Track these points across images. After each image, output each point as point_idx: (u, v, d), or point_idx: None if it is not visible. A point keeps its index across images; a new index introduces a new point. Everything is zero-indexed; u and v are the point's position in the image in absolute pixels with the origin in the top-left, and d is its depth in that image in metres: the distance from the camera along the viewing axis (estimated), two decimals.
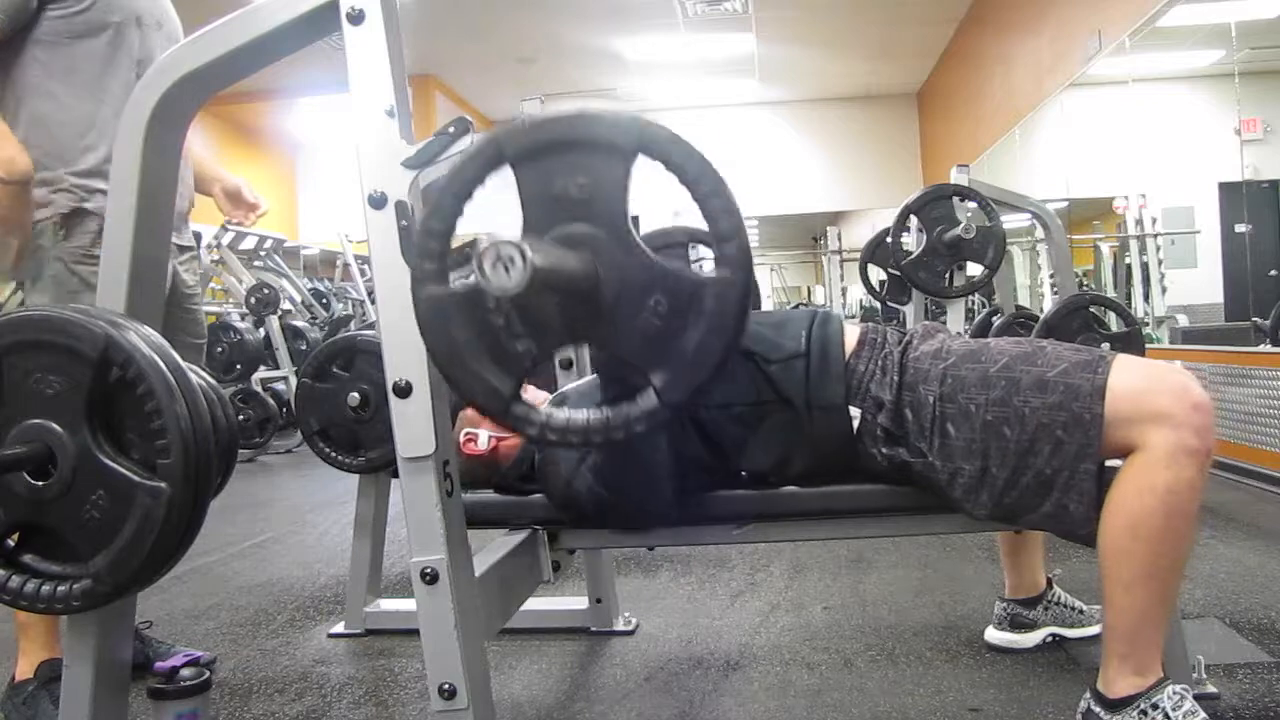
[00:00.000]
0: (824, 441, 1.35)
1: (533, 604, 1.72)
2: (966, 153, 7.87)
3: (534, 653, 2.00)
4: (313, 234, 10.12)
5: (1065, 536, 1.29)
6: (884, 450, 1.34)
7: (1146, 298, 5.69)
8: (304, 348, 5.99)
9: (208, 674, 1.45)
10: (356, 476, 2.22)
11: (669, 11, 7.95)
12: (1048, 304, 5.73)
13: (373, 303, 3.17)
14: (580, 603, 2.13)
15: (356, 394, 2.05)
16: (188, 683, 1.41)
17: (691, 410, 1.36)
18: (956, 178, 3.47)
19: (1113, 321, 3.45)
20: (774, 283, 15.50)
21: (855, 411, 1.35)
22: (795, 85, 10.51)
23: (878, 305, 6.34)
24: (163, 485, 1.04)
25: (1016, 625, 1.88)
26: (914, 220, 3.36)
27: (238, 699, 1.83)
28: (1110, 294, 5.96)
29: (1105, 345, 3.02)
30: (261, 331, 5.85)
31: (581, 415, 0.87)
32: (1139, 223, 5.79)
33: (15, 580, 1.07)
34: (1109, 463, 1.23)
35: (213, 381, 1.23)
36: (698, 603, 2.31)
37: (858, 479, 1.38)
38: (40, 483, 1.05)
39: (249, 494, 4.35)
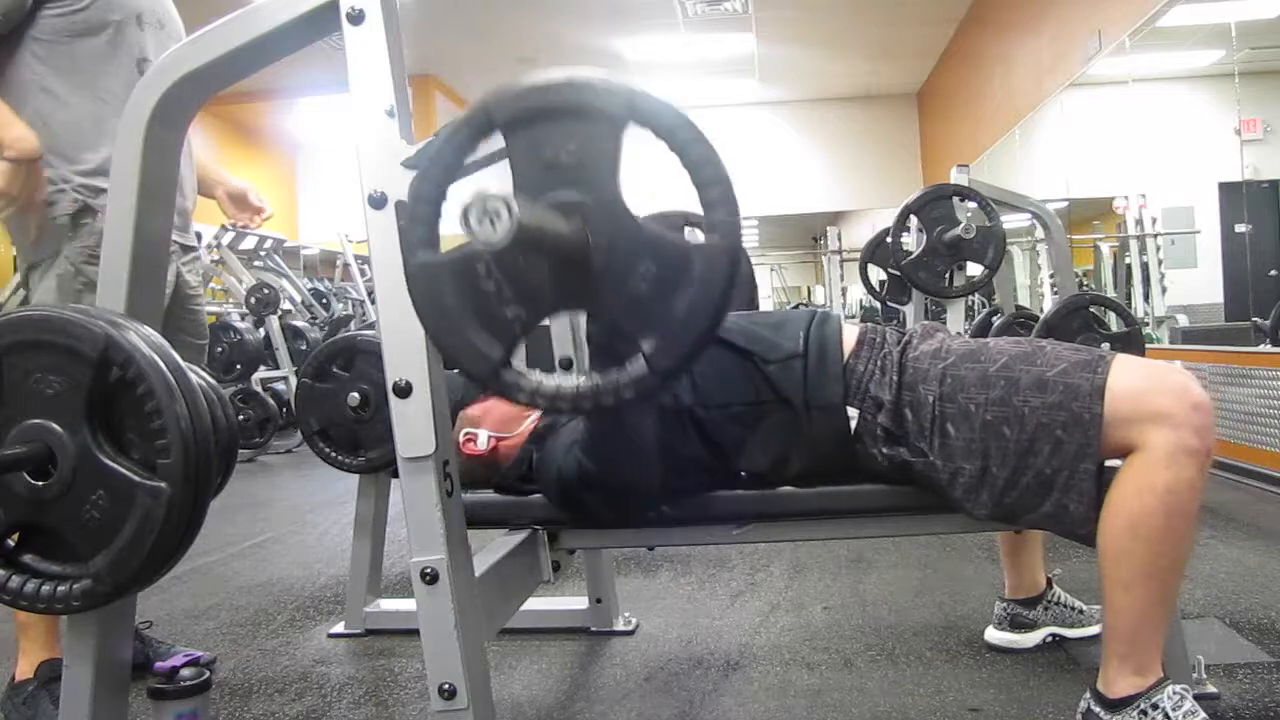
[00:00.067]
0: (822, 441, 1.35)
1: (533, 604, 1.72)
2: (966, 153, 7.87)
3: (534, 653, 2.00)
4: (313, 234, 10.12)
5: (1065, 536, 1.29)
6: (884, 450, 1.34)
7: (1146, 298, 5.69)
8: (304, 348, 6.00)
9: (208, 674, 1.45)
10: (356, 476, 2.22)
11: (669, 11, 7.95)
12: (1048, 304, 5.73)
13: (373, 303, 3.17)
14: (580, 603, 2.13)
15: (356, 394, 2.05)
16: (188, 683, 1.41)
17: (679, 391, 1.36)
18: (956, 178, 3.48)
19: (1113, 321, 3.45)
20: (774, 283, 15.50)
21: (853, 412, 1.35)
22: (795, 85, 10.51)
23: (878, 305, 6.34)
24: (163, 485, 1.04)
25: (1016, 625, 1.88)
26: (914, 220, 3.36)
27: (238, 699, 1.83)
28: (1110, 294, 5.96)
29: (1105, 345, 3.02)
30: (261, 331, 5.86)
31: (571, 382, 0.87)
32: (1139, 223, 5.79)
33: (15, 580, 1.07)
34: (1109, 463, 1.23)
35: (213, 381, 1.23)
36: (698, 603, 2.31)
37: (857, 479, 1.38)
38: (40, 483, 1.05)
39: (249, 494, 4.35)
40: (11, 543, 1.09)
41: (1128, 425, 1.21)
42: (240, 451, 2.65)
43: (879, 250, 4.07)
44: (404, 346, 1.08)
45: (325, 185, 10.81)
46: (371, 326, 4.79)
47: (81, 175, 1.72)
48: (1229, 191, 5.22)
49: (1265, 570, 2.35)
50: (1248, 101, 4.94)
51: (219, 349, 5.54)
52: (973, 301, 5.57)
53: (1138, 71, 5.45)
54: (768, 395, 1.36)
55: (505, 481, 1.51)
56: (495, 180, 0.75)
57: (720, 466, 1.39)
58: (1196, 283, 5.66)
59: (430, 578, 1.08)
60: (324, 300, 7.44)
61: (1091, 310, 3.26)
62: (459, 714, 1.08)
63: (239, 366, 5.65)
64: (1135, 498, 1.20)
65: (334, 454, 2.12)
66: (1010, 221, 4.11)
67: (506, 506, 1.48)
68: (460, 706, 1.08)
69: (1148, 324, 5.41)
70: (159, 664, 1.43)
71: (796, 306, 9.34)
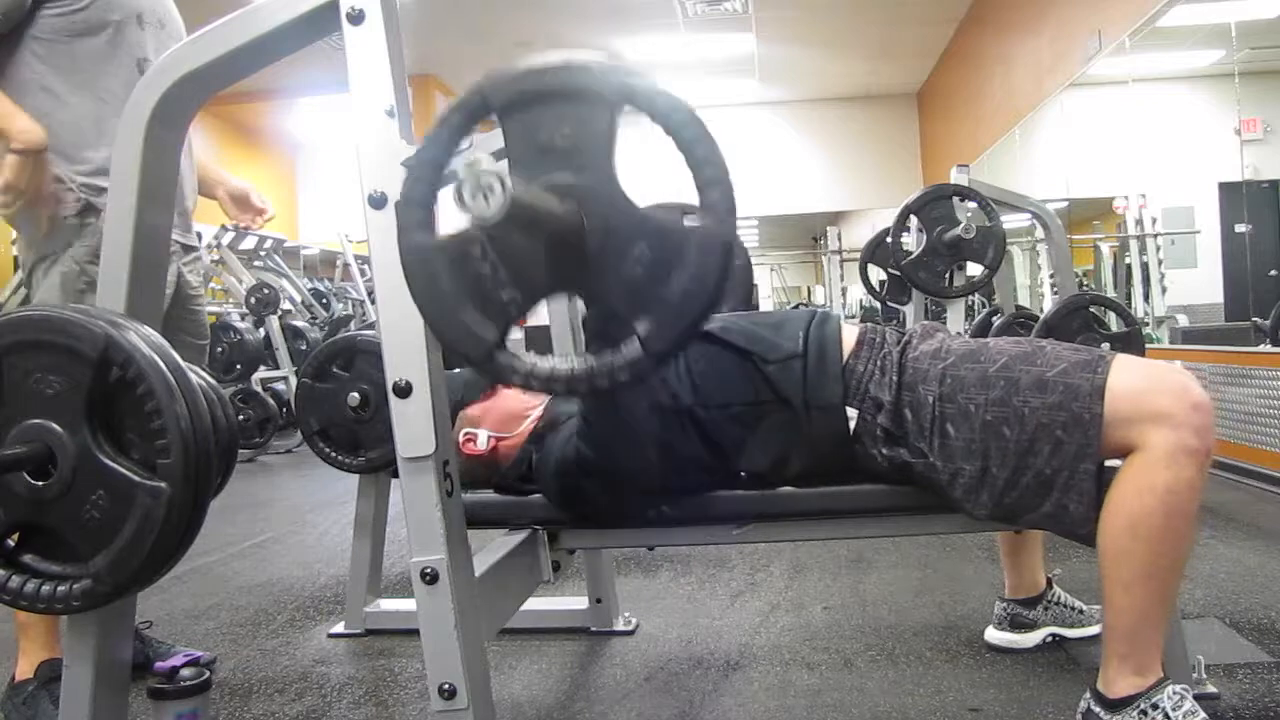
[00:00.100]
0: (822, 442, 1.35)
1: (533, 604, 1.72)
2: (966, 153, 7.87)
3: (534, 653, 2.00)
4: (313, 234, 10.13)
5: (1065, 536, 1.29)
6: (884, 450, 1.34)
7: (1146, 298, 5.69)
8: (304, 348, 6.00)
9: (208, 674, 1.45)
10: (356, 476, 2.22)
11: (669, 11, 7.95)
12: (1048, 304, 5.73)
13: (373, 303, 3.17)
14: (580, 603, 2.13)
15: (356, 394, 2.05)
16: (188, 683, 1.41)
17: (679, 392, 1.36)
18: (956, 178, 3.48)
19: (1113, 321, 3.45)
20: (774, 283, 15.51)
21: (852, 412, 1.35)
22: (795, 85, 10.51)
23: (878, 305, 6.34)
24: (163, 485, 1.04)
25: (1016, 625, 1.88)
26: (914, 220, 3.36)
27: (238, 699, 1.83)
28: (1110, 294, 5.96)
29: (1105, 345, 3.02)
30: (261, 331, 5.86)
31: (566, 364, 0.87)
32: (1139, 223, 5.79)
33: (15, 580, 1.07)
34: (1109, 463, 1.24)
35: (213, 381, 1.23)
36: (698, 603, 2.31)
37: (857, 479, 1.38)
38: (40, 483, 1.05)
39: (249, 494, 4.35)
40: (11, 543, 1.09)
41: (1128, 425, 1.21)
42: (240, 451, 2.65)
43: (879, 250, 4.07)
44: (404, 346, 1.08)
45: (325, 185, 10.81)
46: (371, 326, 4.79)
47: (83, 175, 1.72)
48: (1229, 191, 5.22)
49: (1265, 570, 2.34)
50: (1248, 101, 4.94)
51: (219, 349, 5.54)
52: (973, 301, 5.57)
53: (1138, 71, 5.45)
54: (767, 395, 1.36)
55: (505, 481, 1.51)
56: (489, 155, 0.75)
57: (720, 466, 1.39)
58: (1196, 283, 5.66)
59: (430, 578, 1.08)
60: (324, 300, 7.44)
61: (1091, 310, 3.26)
62: (459, 714, 1.08)
63: (239, 366, 5.65)
64: (1135, 498, 1.20)
65: (334, 454, 2.12)
66: (1010, 221, 4.11)
67: (506, 506, 1.48)
68: (460, 706, 1.08)
69: (1148, 324, 5.41)
70: (159, 664, 1.43)
71: (796, 307, 9.33)
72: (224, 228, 5.91)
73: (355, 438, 2.10)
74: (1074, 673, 1.74)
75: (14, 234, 1.85)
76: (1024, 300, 6.41)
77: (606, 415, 1.28)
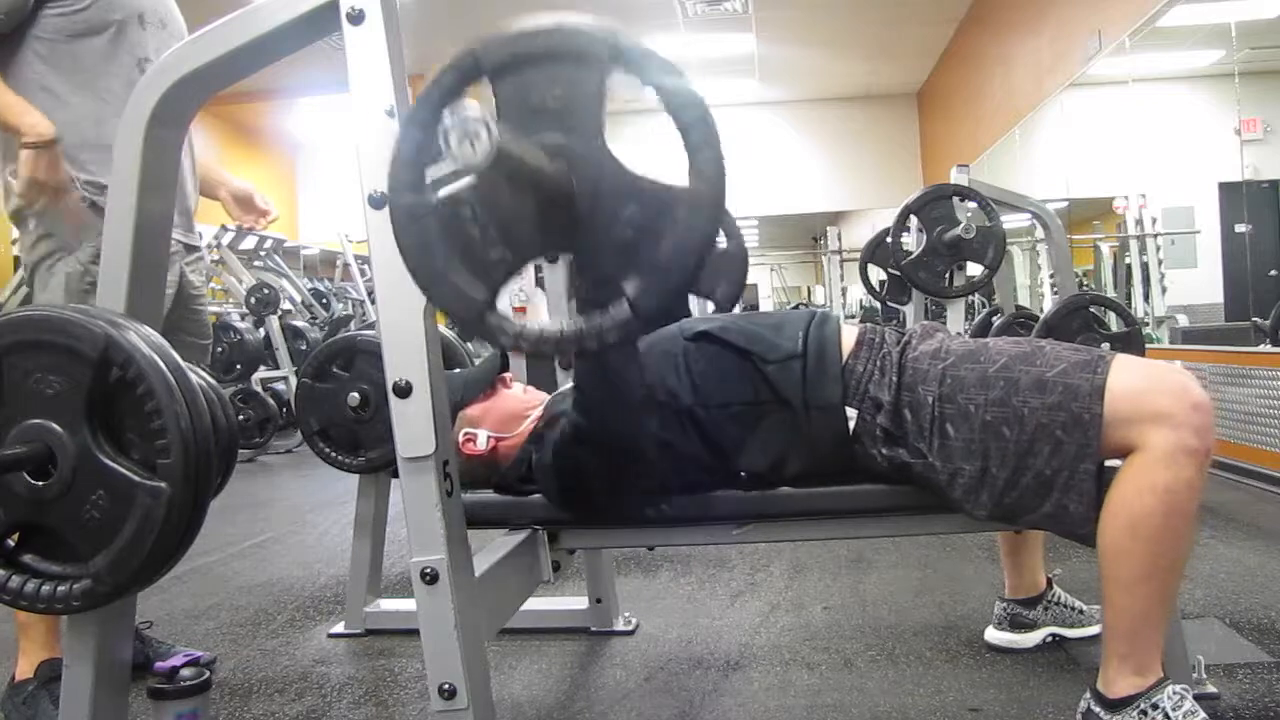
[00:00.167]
0: (821, 442, 1.35)
1: (533, 604, 1.72)
2: (966, 153, 7.87)
3: (534, 653, 2.00)
4: (313, 234, 10.13)
5: (1065, 536, 1.29)
6: (884, 451, 1.34)
7: (1146, 298, 5.70)
8: (304, 348, 6.00)
9: (208, 674, 1.45)
10: (356, 476, 2.22)
11: (669, 11, 7.95)
12: (1048, 304, 5.73)
13: (373, 303, 3.17)
14: (580, 603, 2.13)
15: (356, 394, 2.05)
16: (188, 683, 1.41)
17: (679, 391, 1.35)
18: (956, 178, 3.48)
19: (1113, 321, 3.45)
20: (774, 283, 15.51)
21: (852, 412, 1.35)
22: (795, 85, 10.51)
23: (878, 305, 6.34)
24: (163, 485, 1.04)
25: (1016, 625, 1.88)
26: (914, 220, 3.36)
27: (238, 699, 1.83)
28: (1110, 294, 5.96)
29: (1105, 345, 3.02)
30: (261, 331, 5.86)
31: (555, 326, 0.87)
32: (1139, 223, 5.79)
33: (15, 580, 1.07)
34: (1109, 463, 1.24)
35: (213, 381, 1.24)
36: (698, 603, 2.31)
37: (857, 479, 1.38)
38: (40, 483, 1.05)
39: (249, 494, 4.35)
40: (11, 543, 1.09)
41: (1127, 425, 1.21)
42: (240, 451, 2.65)
43: (879, 250, 4.07)
44: (404, 346, 1.08)
45: (325, 185, 10.82)
46: (371, 326, 4.79)
47: (84, 174, 1.72)
48: (1229, 191, 5.22)
49: (1265, 570, 2.35)
50: (1248, 101, 4.94)
51: (219, 349, 5.55)
52: (973, 301, 5.57)
53: (1138, 71, 5.45)
54: (767, 395, 1.36)
55: (505, 481, 1.51)
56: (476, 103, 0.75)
57: (720, 466, 1.39)
58: (1196, 283, 5.66)
59: (430, 578, 1.08)
60: (324, 300, 7.44)
61: (1091, 310, 3.26)
62: (459, 714, 1.08)
63: (239, 366, 5.65)
64: (1135, 498, 1.20)
65: (334, 454, 2.12)
66: (1010, 221, 4.11)
67: (506, 506, 1.48)
68: (460, 706, 1.08)
69: (1148, 324, 5.41)
70: (159, 664, 1.43)
71: (796, 307, 9.33)
72: (224, 228, 5.91)
73: (355, 438, 2.10)
74: (1074, 673, 1.74)
75: (14, 234, 1.85)
76: (1024, 300, 6.41)
77: (597, 379, 1.27)
